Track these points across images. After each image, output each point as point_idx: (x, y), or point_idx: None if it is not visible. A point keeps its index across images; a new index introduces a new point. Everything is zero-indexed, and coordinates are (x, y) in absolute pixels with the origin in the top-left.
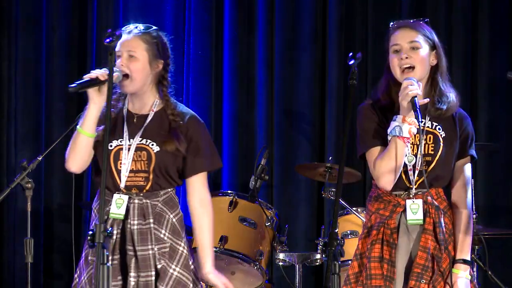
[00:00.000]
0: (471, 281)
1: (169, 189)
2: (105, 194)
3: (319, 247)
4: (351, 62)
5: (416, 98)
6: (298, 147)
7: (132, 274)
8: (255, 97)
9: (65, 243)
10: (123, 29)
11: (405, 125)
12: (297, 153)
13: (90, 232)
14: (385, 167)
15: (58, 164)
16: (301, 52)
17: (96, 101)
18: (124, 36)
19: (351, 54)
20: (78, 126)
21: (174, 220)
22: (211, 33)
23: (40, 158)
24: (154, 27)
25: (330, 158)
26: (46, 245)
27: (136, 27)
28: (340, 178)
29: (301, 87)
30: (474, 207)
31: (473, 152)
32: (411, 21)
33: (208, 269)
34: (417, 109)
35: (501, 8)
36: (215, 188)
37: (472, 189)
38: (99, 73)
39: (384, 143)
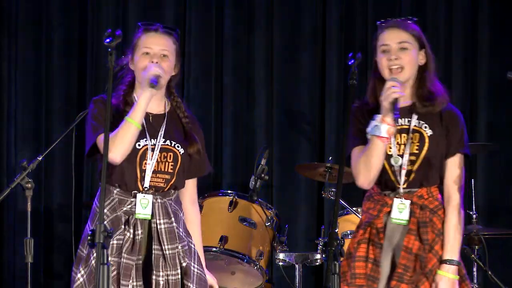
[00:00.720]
0: (462, 280)
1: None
2: (120, 194)
3: (319, 247)
4: (351, 62)
5: (397, 102)
6: (298, 147)
7: (161, 273)
8: (255, 97)
9: (65, 243)
10: (142, 24)
11: (384, 125)
12: (297, 153)
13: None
14: (361, 166)
15: (58, 164)
16: (301, 52)
17: (153, 92)
18: (153, 34)
19: (351, 54)
20: (127, 117)
21: (183, 218)
22: (211, 33)
23: (40, 158)
24: (175, 27)
25: (330, 158)
26: (46, 245)
27: (162, 26)
28: (340, 178)
29: (301, 87)
30: (474, 207)
31: (464, 150)
32: (399, 20)
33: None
34: (397, 111)
35: (501, 8)
36: (215, 188)
37: (472, 188)
38: (159, 70)
39: (366, 143)
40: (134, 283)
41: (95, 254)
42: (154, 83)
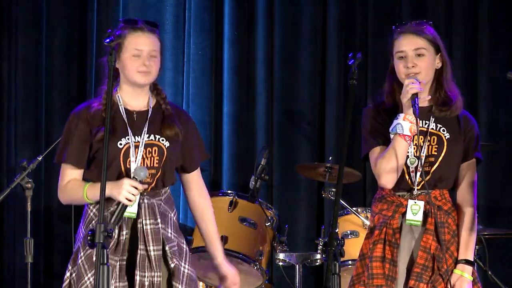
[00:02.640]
0: (474, 283)
1: (167, 188)
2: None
3: (319, 247)
4: (351, 62)
5: (416, 97)
6: (298, 147)
7: (146, 274)
8: (255, 97)
9: (65, 243)
10: (124, 21)
11: (406, 123)
12: (297, 153)
13: (90, 232)
14: (385, 165)
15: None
16: (301, 52)
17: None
18: (141, 33)
19: (351, 54)
20: (86, 195)
21: (174, 218)
22: (211, 33)
23: (40, 158)
24: (155, 22)
25: (330, 158)
26: (46, 245)
27: (146, 23)
28: (340, 178)
29: (301, 87)
30: None
31: (478, 154)
32: (414, 24)
33: (220, 259)
34: (415, 106)
35: (501, 8)
36: (215, 188)
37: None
38: (133, 197)
39: (386, 143)
40: (117, 284)
41: (82, 253)
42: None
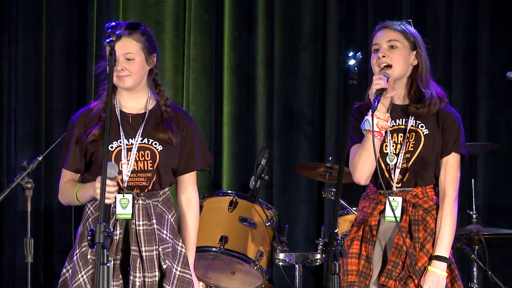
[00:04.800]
0: (454, 281)
1: (166, 189)
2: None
3: (319, 247)
4: (351, 62)
5: (380, 94)
6: (298, 147)
7: (138, 274)
8: (255, 97)
9: (65, 243)
10: (107, 29)
11: (374, 119)
12: (297, 153)
13: (90, 232)
14: (356, 161)
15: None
16: (301, 52)
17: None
18: (111, 36)
19: (351, 54)
20: (76, 195)
21: (172, 220)
22: (211, 33)
23: (40, 158)
24: (139, 22)
25: (330, 158)
26: (46, 245)
27: (122, 26)
28: (340, 178)
29: (301, 87)
30: (474, 207)
31: (460, 150)
32: (394, 21)
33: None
34: (375, 101)
35: (501, 7)
36: (215, 188)
37: (472, 188)
38: (111, 195)
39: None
40: (111, 283)
41: (77, 250)
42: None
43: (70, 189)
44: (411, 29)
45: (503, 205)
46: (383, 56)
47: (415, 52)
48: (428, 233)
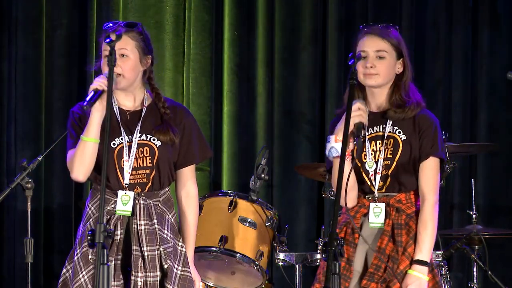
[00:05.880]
0: (438, 285)
1: (167, 188)
2: (107, 193)
3: (319, 247)
4: (351, 62)
5: (363, 125)
6: (298, 147)
7: (139, 274)
8: (255, 97)
9: (65, 243)
10: (105, 28)
11: (339, 144)
12: (297, 153)
13: (90, 232)
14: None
15: (58, 164)
16: (301, 52)
17: (99, 108)
18: (111, 36)
19: (351, 54)
20: (82, 136)
21: (172, 220)
22: (211, 33)
23: (40, 158)
24: (136, 22)
25: None
26: (46, 245)
27: (120, 25)
28: (340, 178)
29: (301, 87)
30: (474, 207)
31: (436, 153)
32: (381, 27)
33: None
34: (360, 136)
35: (501, 7)
36: (215, 188)
37: (472, 188)
38: (101, 81)
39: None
40: (112, 283)
41: (78, 250)
42: (85, 103)
43: (77, 146)
44: (397, 36)
45: (503, 205)
46: (371, 67)
47: (401, 59)
48: (410, 237)
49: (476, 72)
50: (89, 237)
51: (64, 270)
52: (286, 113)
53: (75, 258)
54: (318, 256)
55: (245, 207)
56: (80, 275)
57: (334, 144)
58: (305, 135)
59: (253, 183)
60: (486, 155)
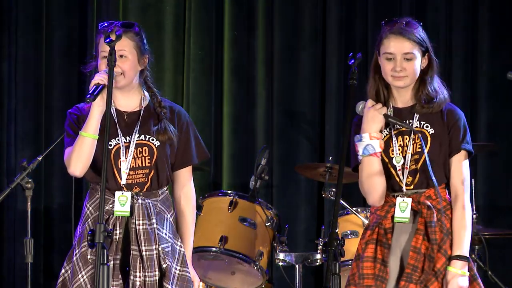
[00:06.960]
0: (474, 279)
1: (165, 188)
2: (105, 193)
3: (319, 247)
4: (351, 62)
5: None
6: (298, 147)
7: (138, 274)
8: (255, 97)
9: (65, 243)
10: (101, 28)
11: (374, 141)
12: (297, 153)
13: (90, 232)
14: (366, 188)
15: (58, 164)
16: (301, 52)
17: (100, 104)
18: (111, 36)
19: (351, 54)
20: (81, 131)
21: (171, 219)
22: (211, 33)
23: (40, 158)
24: (132, 22)
25: (330, 158)
26: (46, 245)
27: (116, 25)
28: (340, 178)
29: (301, 87)
30: (474, 207)
31: (466, 146)
32: (404, 24)
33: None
34: (398, 123)
35: (501, 7)
36: (215, 188)
37: (472, 188)
38: (102, 76)
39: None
40: (112, 283)
41: (77, 251)
42: (88, 95)
43: (76, 142)
44: (422, 32)
45: (503, 205)
46: (400, 70)
47: (426, 55)
48: (444, 233)
49: (476, 72)
50: (89, 237)
51: (63, 271)
52: (286, 113)
53: (74, 258)
54: (318, 256)
55: (245, 207)
56: (79, 276)
57: (370, 142)
58: (305, 135)
59: (253, 183)
60: (486, 155)
